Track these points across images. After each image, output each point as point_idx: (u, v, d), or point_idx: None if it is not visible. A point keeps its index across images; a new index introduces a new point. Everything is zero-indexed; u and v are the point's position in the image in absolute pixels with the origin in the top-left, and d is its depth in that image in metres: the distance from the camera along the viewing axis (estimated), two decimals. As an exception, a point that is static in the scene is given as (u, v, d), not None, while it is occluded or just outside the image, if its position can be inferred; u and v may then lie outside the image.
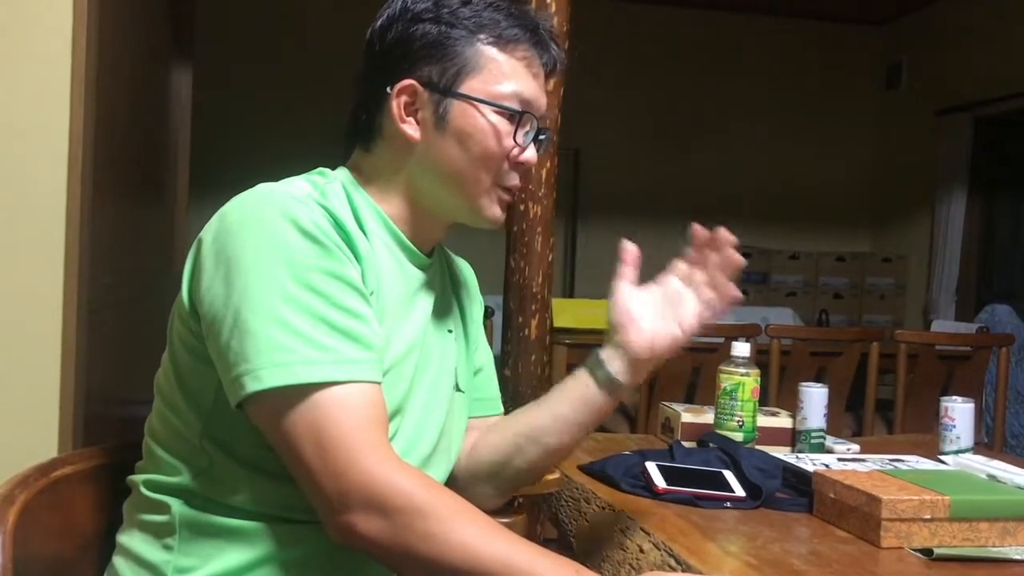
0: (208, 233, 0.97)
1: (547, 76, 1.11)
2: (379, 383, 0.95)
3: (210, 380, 0.97)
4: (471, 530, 0.89)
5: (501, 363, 2.11)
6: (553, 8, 2.32)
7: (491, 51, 1.04)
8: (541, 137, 1.10)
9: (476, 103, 1.03)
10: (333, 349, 0.91)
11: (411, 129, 1.04)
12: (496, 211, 1.08)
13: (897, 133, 5.84)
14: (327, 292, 0.93)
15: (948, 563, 1.10)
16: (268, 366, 0.89)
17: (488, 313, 3.75)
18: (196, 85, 3.18)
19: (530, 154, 1.07)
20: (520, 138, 1.05)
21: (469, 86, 1.03)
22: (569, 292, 5.62)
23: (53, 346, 1.95)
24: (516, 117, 1.04)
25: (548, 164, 2.27)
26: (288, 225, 0.93)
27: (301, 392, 0.90)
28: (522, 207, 2.24)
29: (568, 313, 3.64)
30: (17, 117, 1.96)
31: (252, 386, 0.89)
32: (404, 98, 1.04)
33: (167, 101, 2.97)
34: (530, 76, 1.06)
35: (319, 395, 0.90)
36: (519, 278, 2.22)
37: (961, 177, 5.15)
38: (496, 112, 1.04)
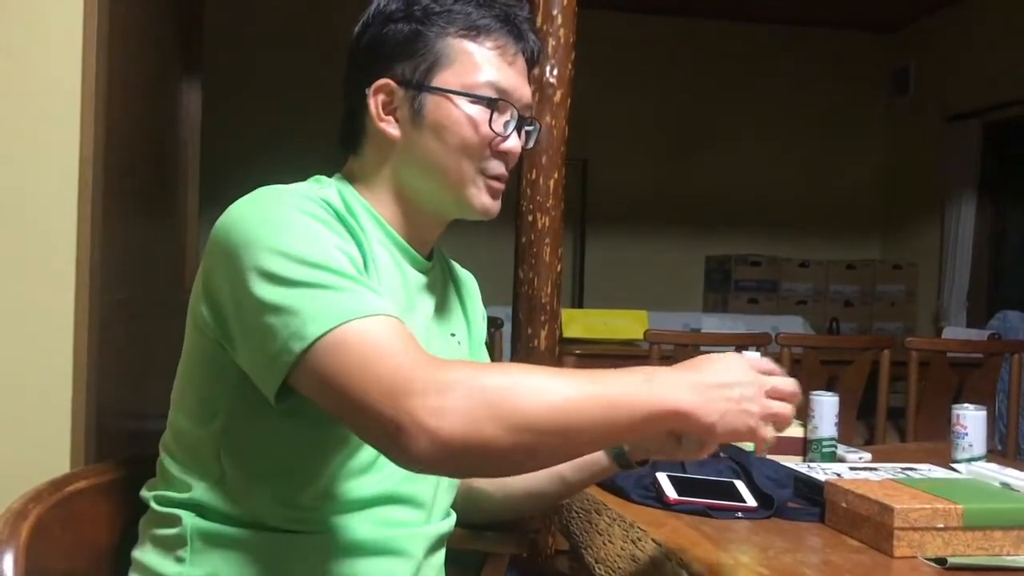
0: (213, 233, 0.96)
1: (528, 66, 1.10)
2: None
3: (225, 384, 0.96)
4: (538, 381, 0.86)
5: (511, 374, 2.11)
6: (559, 20, 2.33)
7: (462, 43, 1.05)
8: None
9: (450, 95, 1.04)
10: (358, 290, 0.89)
11: (390, 127, 1.06)
12: (485, 200, 1.08)
13: (906, 139, 5.83)
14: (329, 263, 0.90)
15: (962, 572, 1.09)
16: (308, 321, 0.86)
17: (497, 324, 3.75)
18: (205, 101, 3.19)
19: (512, 143, 1.07)
20: (498, 125, 1.05)
21: (442, 79, 1.04)
22: (578, 302, 5.61)
23: (65, 362, 1.96)
24: (491, 104, 1.05)
25: (556, 175, 2.27)
26: (291, 209, 0.94)
27: (343, 332, 0.86)
28: (530, 218, 2.25)
29: (577, 323, 3.64)
30: (28, 135, 1.98)
31: (297, 347, 0.86)
32: (381, 97, 1.06)
33: (176, 118, 2.99)
34: (505, 65, 1.06)
35: (357, 328, 0.86)
36: (528, 289, 2.22)
37: (970, 183, 5.13)
38: (471, 102, 1.04)
